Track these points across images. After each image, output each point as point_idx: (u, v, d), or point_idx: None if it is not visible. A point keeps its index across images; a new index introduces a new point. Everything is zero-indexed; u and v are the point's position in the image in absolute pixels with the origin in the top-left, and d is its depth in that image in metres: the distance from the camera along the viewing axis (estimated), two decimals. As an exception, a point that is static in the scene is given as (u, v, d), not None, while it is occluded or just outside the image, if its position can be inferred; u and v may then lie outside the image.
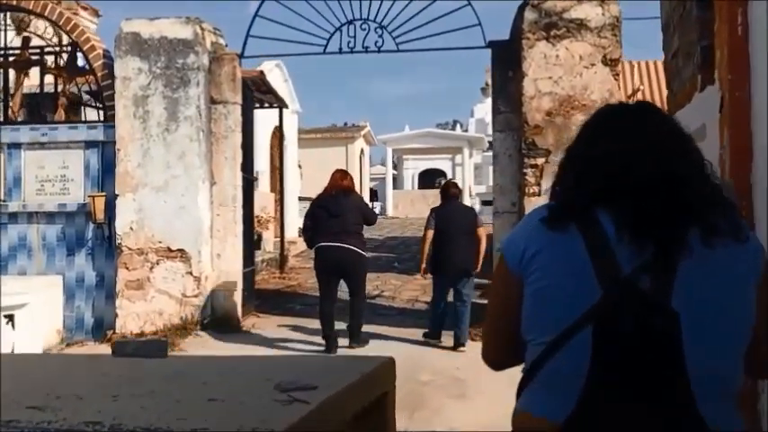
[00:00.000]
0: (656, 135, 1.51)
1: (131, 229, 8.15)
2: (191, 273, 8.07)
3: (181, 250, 8.09)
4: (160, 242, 8.11)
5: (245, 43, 8.40)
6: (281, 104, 13.87)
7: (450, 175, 44.85)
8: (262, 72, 12.70)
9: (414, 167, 47.12)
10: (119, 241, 8.17)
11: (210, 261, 8.31)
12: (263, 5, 8.31)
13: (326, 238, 7.07)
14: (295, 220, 19.64)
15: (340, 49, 8.23)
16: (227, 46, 8.71)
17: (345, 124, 34.65)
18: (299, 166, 26.43)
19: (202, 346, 7.50)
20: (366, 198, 25.79)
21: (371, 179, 39.55)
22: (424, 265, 7.68)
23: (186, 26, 8.14)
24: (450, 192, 7.73)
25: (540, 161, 7.46)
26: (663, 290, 1.36)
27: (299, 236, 20.06)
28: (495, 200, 7.93)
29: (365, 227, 7.38)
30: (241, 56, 8.46)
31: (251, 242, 10.02)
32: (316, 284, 13.20)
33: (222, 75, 8.34)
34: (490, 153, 35.08)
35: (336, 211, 7.09)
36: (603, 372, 1.36)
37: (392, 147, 35.55)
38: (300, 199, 23.33)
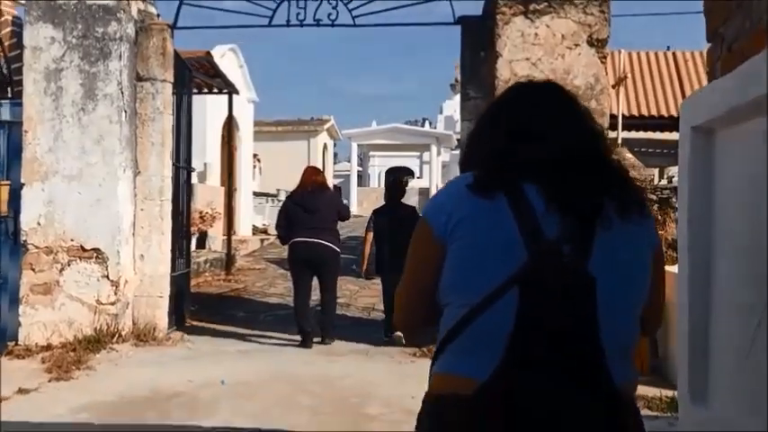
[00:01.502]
0: (572, 112, 1.65)
1: (39, 224, 7.06)
2: (107, 276, 7.01)
3: (96, 250, 7.03)
4: (72, 240, 7.04)
5: (177, 12, 7.38)
6: (231, 90, 12.82)
7: (417, 173, 44.07)
8: (208, 53, 11.67)
9: (380, 164, 46.22)
10: (24, 238, 7.07)
11: (132, 263, 7.26)
12: (200, -31, 7.29)
13: (302, 234, 7.28)
14: (248, 216, 18.55)
15: (288, 21, 7.24)
16: (158, 16, 7.66)
17: (312, 119, 33.58)
18: (258, 160, 25.36)
19: (116, 363, 6.45)
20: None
21: (335, 176, 38.55)
22: (365, 267, 8.54)
23: (108, -11, 7.08)
24: (393, 192, 8.14)
25: (515, 155, 6.54)
26: (582, 256, 1.48)
27: (253, 234, 19.04)
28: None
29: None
30: (173, 26, 7.42)
31: (187, 241, 8.99)
32: (263, 288, 12.40)
33: (150, 48, 7.29)
34: (459, 152, 34.43)
35: (312, 207, 7.30)
36: (527, 330, 1.45)
37: (357, 142, 34.49)
38: (257, 194, 22.24)
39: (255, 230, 19.09)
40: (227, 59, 16.65)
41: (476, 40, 6.94)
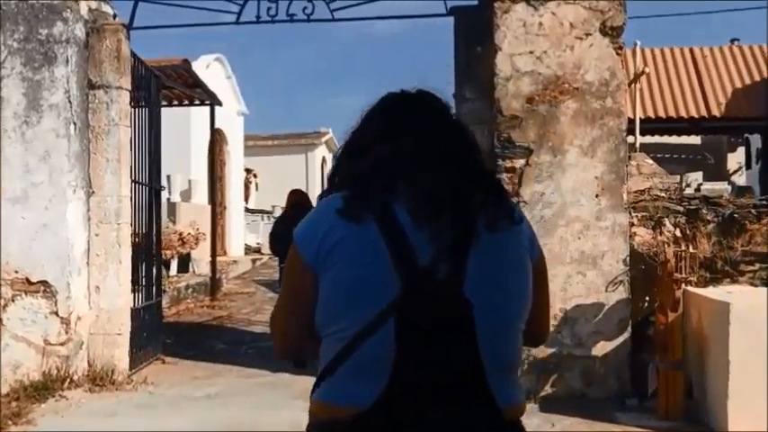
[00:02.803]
0: (440, 125, 1.62)
1: (-21, 253, 6.27)
2: (56, 312, 6.20)
3: (43, 282, 6.22)
4: (17, 272, 6.23)
5: (133, 11, 6.60)
6: (213, 101, 12.04)
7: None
8: (185, 60, 10.89)
9: (382, 177, 45.56)
10: (-38, 270, 6.28)
11: (86, 296, 6.45)
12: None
13: None
14: (240, 235, 17.76)
15: (257, 17, 6.46)
16: (115, 17, 6.89)
17: (310, 132, 32.80)
18: (254, 176, 24.60)
19: (62, 414, 5.63)
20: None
21: (336, 190, 37.78)
22: None
23: (54, -14, 6.31)
24: None
25: (519, 163, 5.74)
26: (457, 278, 1.47)
27: (246, 253, 18.23)
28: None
29: None
30: (129, 26, 6.64)
31: (158, 267, 8.19)
32: (249, 315, 11.55)
33: (103, 51, 6.50)
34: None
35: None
36: (407, 359, 1.44)
37: (358, 155, 33.72)
38: (251, 211, 21.45)
39: (248, 250, 18.29)
40: (213, 70, 15.93)
41: (471, 34, 6.15)
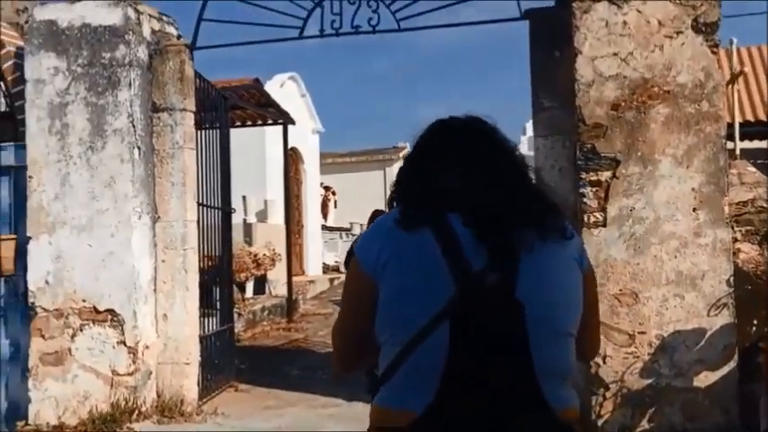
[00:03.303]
0: (489, 147, 1.70)
1: (47, 283, 6.20)
2: (123, 342, 6.06)
3: (110, 311, 6.10)
4: (84, 301, 6.14)
5: (196, 30, 6.45)
6: (286, 120, 11.92)
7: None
8: (257, 80, 10.82)
9: (463, 191, 44.94)
10: (32, 300, 6.23)
11: (154, 324, 6.30)
12: (220, -21, 6.37)
13: None
14: (317, 254, 17.62)
15: (321, 30, 6.21)
16: (180, 37, 6.78)
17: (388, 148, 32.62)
18: (333, 193, 24.53)
19: (128, 449, 5.47)
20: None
21: (416, 205, 37.51)
22: None
23: (115, 9, 6.23)
24: None
25: (605, 175, 5.26)
26: (509, 284, 1.53)
27: (324, 272, 18.06)
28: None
29: None
30: (192, 47, 6.50)
31: (230, 291, 8.04)
32: (325, 337, 11.31)
33: (166, 73, 6.39)
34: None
35: None
36: (461, 364, 1.49)
37: (437, 169, 33.32)
38: (329, 229, 21.33)
39: (326, 268, 18.14)
40: (288, 89, 15.90)
41: (548, 38, 5.72)
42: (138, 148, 6.18)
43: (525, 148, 34.51)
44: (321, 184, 20.05)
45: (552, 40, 5.69)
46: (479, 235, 1.55)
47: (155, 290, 6.33)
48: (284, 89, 15.28)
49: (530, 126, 35.95)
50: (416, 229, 1.58)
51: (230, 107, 8.94)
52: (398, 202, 1.71)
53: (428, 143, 1.75)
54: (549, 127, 5.69)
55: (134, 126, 6.16)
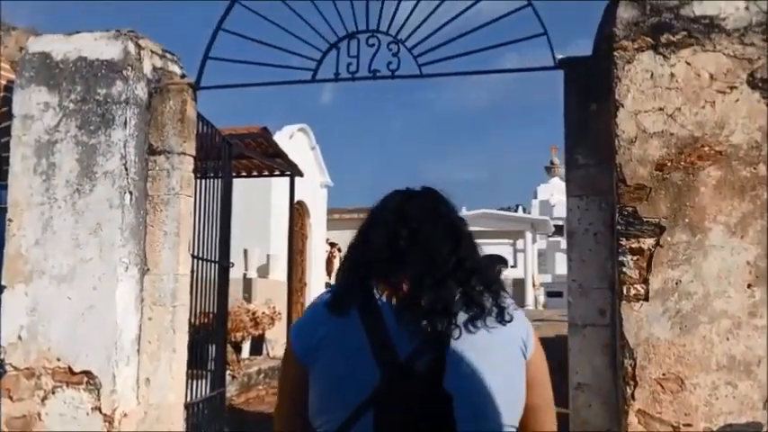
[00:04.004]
0: (434, 222, 1.68)
1: (20, 338, 5.62)
2: (99, 408, 5.44)
3: (87, 373, 5.49)
4: (59, 360, 5.55)
5: (201, 68, 5.99)
6: (294, 172, 11.45)
7: (511, 262, 41.86)
8: (265, 129, 10.38)
9: (471, 253, 44.35)
10: (2, 356, 5.64)
11: (135, 389, 5.69)
12: (229, 16, 5.94)
13: None
14: (320, 313, 16.95)
15: (336, 74, 5.75)
16: (184, 76, 6.33)
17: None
18: (338, 249, 23.96)
19: None
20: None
21: (422, 265, 36.92)
22: None
23: (115, 42, 5.79)
24: None
25: (648, 243, 4.70)
26: (436, 373, 1.50)
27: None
28: (571, 305, 5.14)
29: None
30: (196, 86, 6.04)
31: (222, 353, 7.43)
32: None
33: (166, 113, 5.91)
34: (556, 239, 32.14)
35: None
36: None
37: (445, 229, 32.77)
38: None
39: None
40: (297, 140, 15.51)
41: (585, 89, 5.24)
42: (130, 192, 5.67)
43: (537, 211, 34.06)
44: (327, 240, 19.51)
45: (589, 91, 5.21)
46: (408, 319, 1.54)
47: (138, 350, 5.73)
48: (293, 141, 14.89)
49: (540, 190, 35.52)
50: (345, 313, 1.59)
51: (235, 155, 8.48)
52: (341, 276, 1.73)
53: (374, 215, 1.75)
54: (584, 186, 5.16)
55: (127, 169, 5.66)
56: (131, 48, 5.79)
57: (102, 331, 5.51)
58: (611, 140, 4.92)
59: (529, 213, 39.08)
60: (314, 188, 16.31)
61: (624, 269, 4.72)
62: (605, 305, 5.02)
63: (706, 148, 4.71)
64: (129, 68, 5.75)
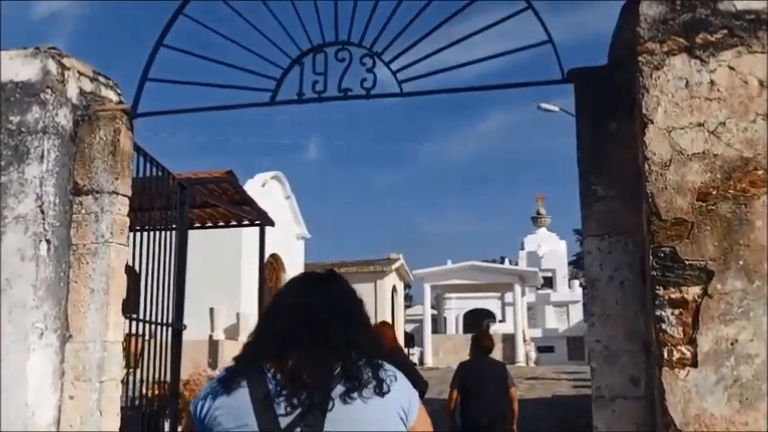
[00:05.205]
0: (322, 299, 1.93)
1: None
2: None
3: (-12, 468, 4.41)
4: (-47, 451, 4.46)
5: (138, 91, 5.06)
6: (264, 221, 10.46)
7: (499, 317, 40.80)
8: (230, 172, 9.43)
9: (457, 307, 43.31)
10: None
11: (50, 487, 4.59)
12: (173, 29, 5.04)
13: None
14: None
15: (300, 94, 4.84)
16: (121, 103, 5.39)
17: (380, 259, 31.20)
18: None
19: None
20: (401, 341, 21.77)
21: (407, 321, 35.80)
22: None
23: (33, 61, 4.86)
24: (483, 344, 7.59)
25: (692, 292, 3.74)
26: None
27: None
28: (595, 373, 4.14)
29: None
30: (132, 113, 5.09)
31: (176, 428, 6.37)
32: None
33: (95, 144, 4.96)
34: (545, 291, 31.25)
35: None
36: None
37: (431, 283, 31.78)
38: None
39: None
40: (270, 188, 14.58)
41: (601, 104, 4.35)
42: (47, 241, 4.67)
43: (525, 263, 33.16)
44: (305, 296, 18.45)
45: (607, 107, 4.31)
46: (289, 391, 1.77)
47: (56, 437, 4.65)
48: (266, 189, 13.95)
49: (528, 241, 34.63)
50: (235, 386, 1.82)
51: (193, 201, 7.53)
52: (238, 355, 1.95)
53: (276, 297, 2.03)
54: (605, 223, 4.22)
55: (43, 212, 4.67)
56: (52, 67, 4.85)
57: (8, 416, 4.43)
58: (638, 165, 4.01)
59: (516, 265, 38.20)
60: (289, 240, 15.33)
61: (663, 326, 3.74)
62: (639, 372, 4.03)
63: (760, 172, 3.79)
64: (49, 91, 4.80)
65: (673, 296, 3.76)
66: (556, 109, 31.08)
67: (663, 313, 3.75)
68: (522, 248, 39.77)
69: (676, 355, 3.71)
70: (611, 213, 4.22)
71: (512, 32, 4.76)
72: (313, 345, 1.81)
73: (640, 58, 4.00)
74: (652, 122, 3.93)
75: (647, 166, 3.90)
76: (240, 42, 4.94)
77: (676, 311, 3.75)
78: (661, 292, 3.78)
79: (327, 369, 1.78)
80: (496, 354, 12.10)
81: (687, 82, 3.94)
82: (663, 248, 3.81)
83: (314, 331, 1.83)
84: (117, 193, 4.92)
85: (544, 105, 31.17)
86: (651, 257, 3.82)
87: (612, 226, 4.21)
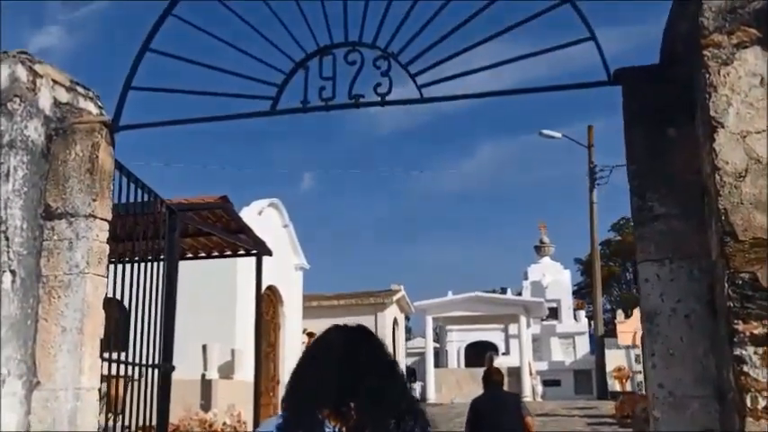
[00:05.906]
0: (368, 360, 2.02)
1: None
2: None
3: None
4: None
5: (121, 101, 4.49)
6: (261, 250, 9.86)
7: (502, 349, 40.00)
8: (224, 198, 8.86)
9: (459, 340, 42.46)
10: None
11: None
12: (161, 31, 4.50)
13: None
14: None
15: (304, 102, 4.28)
16: (102, 114, 4.83)
17: (380, 291, 30.56)
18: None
19: None
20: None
21: (408, 354, 35.00)
22: None
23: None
24: (493, 379, 7.71)
25: (780, 327, 3.15)
26: None
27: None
28: (658, 422, 3.52)
29: None
30: (114, 126, 4.52)
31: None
32: None
33: (70, 161, 4.38)
34: (551, 322, 30.46)
35: None
36: None
37: (432, 315, 31.02)
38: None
39: None
40: (267, 217, 13.99)
41: (656, 109, 3.78)
42: (12, 272, 4.07)
43: (528, 293, 32.44)
44: (304, 330, 17.76)
45: (663, 111, 3.75)
46: None
47: (20, 503, 4.01)
48: (263, 217, 13.37)
49: (531, 270, 33.89)
50: None
51: (185, 229, 6.96)
52: (288, 403, 2.01)
53: (311, 352, 2.13)
54: (665, 246, 3.63)
55: (8, 239, 4.07)
56: (22, 74, 4.30)
57: (-38, 478, 3.81)
58: (705, 177, 3.44)
59: (519, 295, 37.49)
60: (287, 271, 14.71)
61: (745, 368, 3.14)
62: (712, 423, 3.42)
63: None
64: (17, 100, 4.24)
65: (755, 332, 3.16)
66: (558, 135, 30.82)
67: (743, 352, 3.15)
68: (526, 278, 39.04)
69: (762, 403, 3.10)
70: (673, 234, 3.64)
71: (549, 40, 4.22)
72: (370, 400, 1.90)
73: (705, 53, 3.45)
74: (722, 126, 3.37)
75: (717, 178, 3.32)
76: (237, 45, 4.39)
77: (760, 350, 3.15)
78: (740, 326, 3.18)
79: (385, 425, 1.90)
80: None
81: (762, 79, 3.39)
82: (741, 275, 3.22)
83: (367, 386, 1.92)
84: (95, 217, 4.33)
85: (546, 132, 30.91)
86: (727, 285, 3.22)
87: (674, 249, 3.62)
